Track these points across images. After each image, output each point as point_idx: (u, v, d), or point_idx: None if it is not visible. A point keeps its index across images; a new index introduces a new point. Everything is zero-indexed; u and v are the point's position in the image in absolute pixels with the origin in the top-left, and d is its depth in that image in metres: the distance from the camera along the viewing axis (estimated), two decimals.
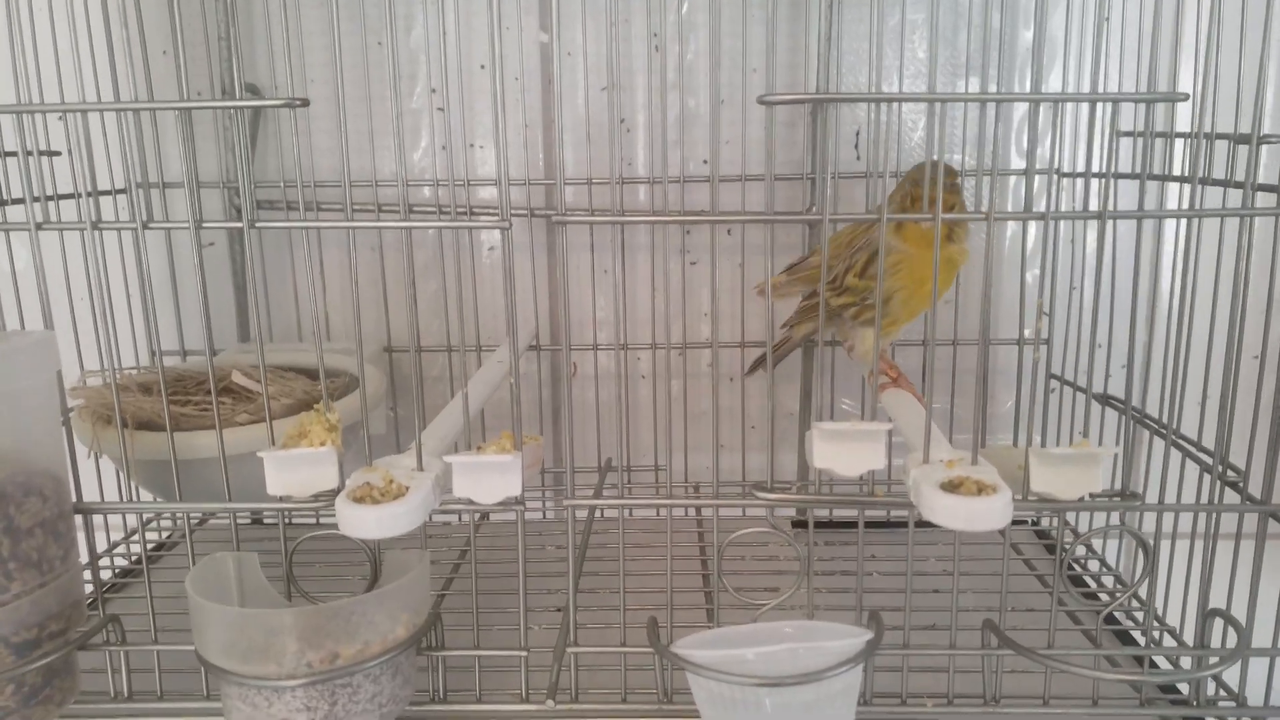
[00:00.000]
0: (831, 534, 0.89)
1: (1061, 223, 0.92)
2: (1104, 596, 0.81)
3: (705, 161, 1.01)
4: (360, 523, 0.54)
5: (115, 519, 0.93)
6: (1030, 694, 0.63)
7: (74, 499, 0.62)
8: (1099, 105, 0.56)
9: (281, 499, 0.59)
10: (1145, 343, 0.67)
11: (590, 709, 0.64)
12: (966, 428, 1.02)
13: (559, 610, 0.75)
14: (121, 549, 0.91)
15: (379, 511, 0.54)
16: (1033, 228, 0.95)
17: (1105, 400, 0.88)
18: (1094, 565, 0.89)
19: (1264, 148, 0.61)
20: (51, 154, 0.73)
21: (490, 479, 0.58)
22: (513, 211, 1.00)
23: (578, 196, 1.01)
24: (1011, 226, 1.01)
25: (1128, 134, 0.84)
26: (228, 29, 0.95)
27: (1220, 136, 0.66)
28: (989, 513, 0.53)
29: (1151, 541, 0.62)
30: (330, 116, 1.00)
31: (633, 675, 0.64)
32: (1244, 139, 0.62)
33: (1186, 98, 0.55)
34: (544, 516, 1.02)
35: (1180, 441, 0.75)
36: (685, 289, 1.02)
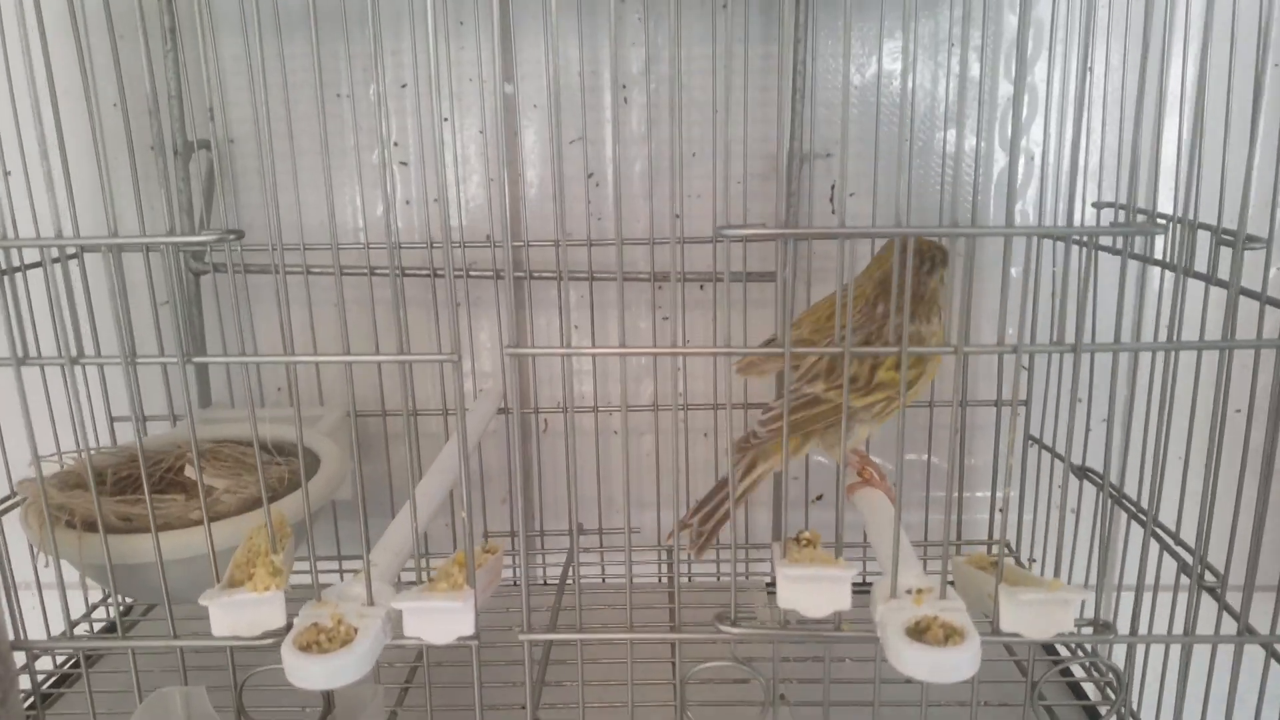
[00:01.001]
0: (801, 649, 0.83)
1: (1042, 275, 0.90)
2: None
3: (677, 216, 0.99)
4: (307, 674, 0.53)
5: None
6: None
7: (10, 636, 0.59)
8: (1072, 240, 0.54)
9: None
10: (1124, 424, 0.65)
11: None
12: (942, 483, 1.00)
13: None
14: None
15: (326, 664, 0.53)
16: (1014, 286, 0.93)
17: (1083, 473, 0.87)
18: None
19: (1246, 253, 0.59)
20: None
21: (441, 621, 0.56)
22: (474, 272, 0.98)
23: (544, 254, 0.98)
24: (989, 277, 0.99)
25: (1109, 205, 0.82)
26: (179, 86, 0.91)
27: (1203, 227, 0.64)
28: (954, 666, 0.52)
29: (1124, 670, 0.61)
30: (285, 172, 0.97)
31: None
32: (1229, 237, 0.59)
33: (1163, 230, 0.52)
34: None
35: (1159, 533, 0.73)
36: (655, 337, 0.99)
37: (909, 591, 0.57)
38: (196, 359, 0.56)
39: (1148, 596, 0.66)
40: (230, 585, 0.58)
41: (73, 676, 0.83)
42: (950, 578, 0.57)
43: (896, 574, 0.56)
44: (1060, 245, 0.84)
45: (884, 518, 0.67)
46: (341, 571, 0.90)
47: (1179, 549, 0.68)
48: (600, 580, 1.01)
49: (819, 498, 1.06)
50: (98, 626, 0.90)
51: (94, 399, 0.91)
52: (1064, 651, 0.84)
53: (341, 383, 1.00)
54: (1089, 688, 0.81)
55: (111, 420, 0.94)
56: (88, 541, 0.71)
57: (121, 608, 0.94)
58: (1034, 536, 0.91)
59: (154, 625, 0.92)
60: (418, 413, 0.99)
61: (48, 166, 0.54)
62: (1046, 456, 0.92)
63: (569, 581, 0.92)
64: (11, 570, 0.62)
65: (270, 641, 0.57)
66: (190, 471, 0.79)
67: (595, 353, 0.59)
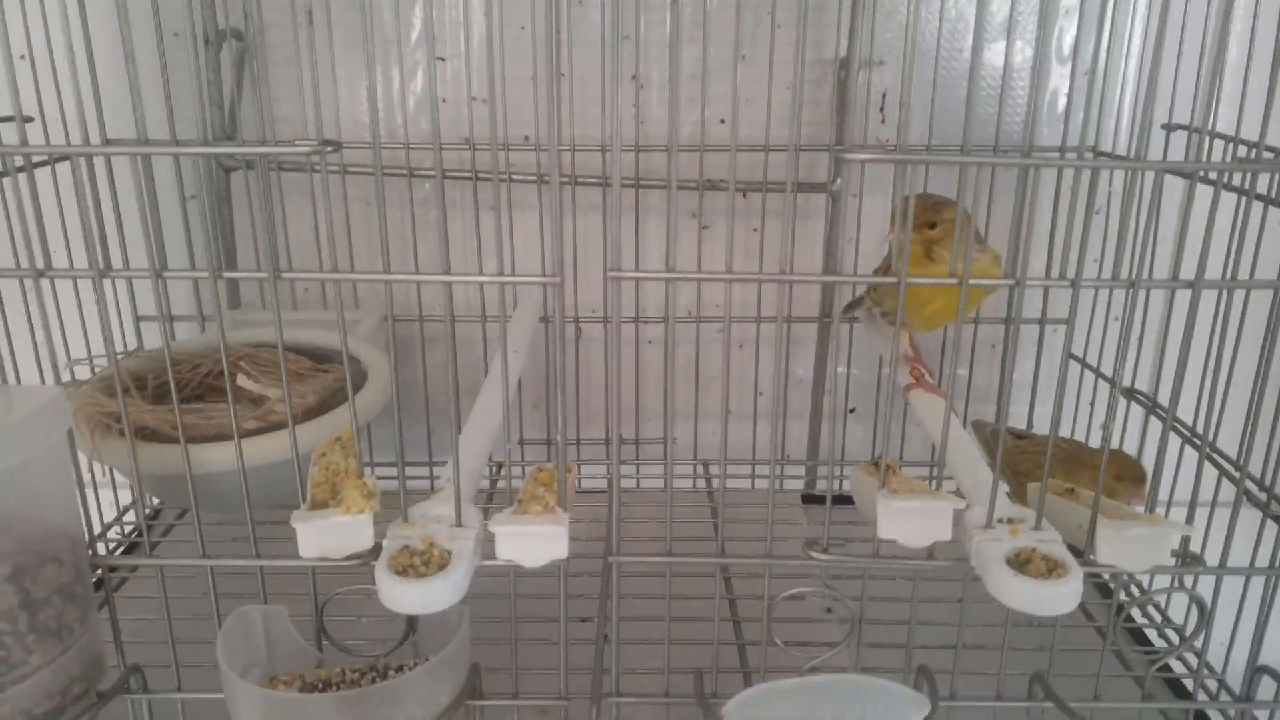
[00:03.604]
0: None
1: (1097, 192, 0.88)
2: (1161, 641, 0.80)
3: (723, 121, 0.96)
4: (403, 599, 0.52)
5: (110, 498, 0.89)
6: None
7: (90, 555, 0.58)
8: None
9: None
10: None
11: None
12: (983, 396, 1.00)
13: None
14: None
15: (423, 588, 0.51)
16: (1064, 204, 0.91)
17: (1130, 395, 0.87)
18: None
19: None
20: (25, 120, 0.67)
21: (536, 545, 0.55)
22: (515, 174, 0.95)
23: (587, 161, 0.95)
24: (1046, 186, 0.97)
25: (1182, 127, 0.80)
26: None
27: (1270, 149, 0.63)
28: (1058, 599, 0.52)
29: (1208, 602, 0.62)
30: (322, 64, 0.93)
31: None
32: None
33: None
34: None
35: (1218, 458, 0.74)
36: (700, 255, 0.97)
37: (1001, 521, 0.57)
38: (283, 274, 0.53)
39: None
40: (314, 506, 0.56)
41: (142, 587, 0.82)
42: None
43: (995, 503, 0.56)
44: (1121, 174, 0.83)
45: (963, 443, 0.66)
46: (402, 469, 0.88)
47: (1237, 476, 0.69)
48: (635, 487, 1.00)
49: (853, 410, 1.06)
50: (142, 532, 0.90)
51: (120, 297, 0.89)
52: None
53: (376, 286, 0.98)
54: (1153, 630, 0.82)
55: (138, 320, 0.91)
56: (142, 452, 0.69)
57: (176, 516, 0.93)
58: None
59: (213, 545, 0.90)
60: (456, 319, 0.97)
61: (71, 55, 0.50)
62: (1083, 373, 0.93)
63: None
64: (93, 484, 0.60)
65: (355, 563, 0.56)
66: (242, 380, 0.77)
67: (700, 277, 0.57)
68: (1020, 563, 0.54)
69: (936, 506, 0.54)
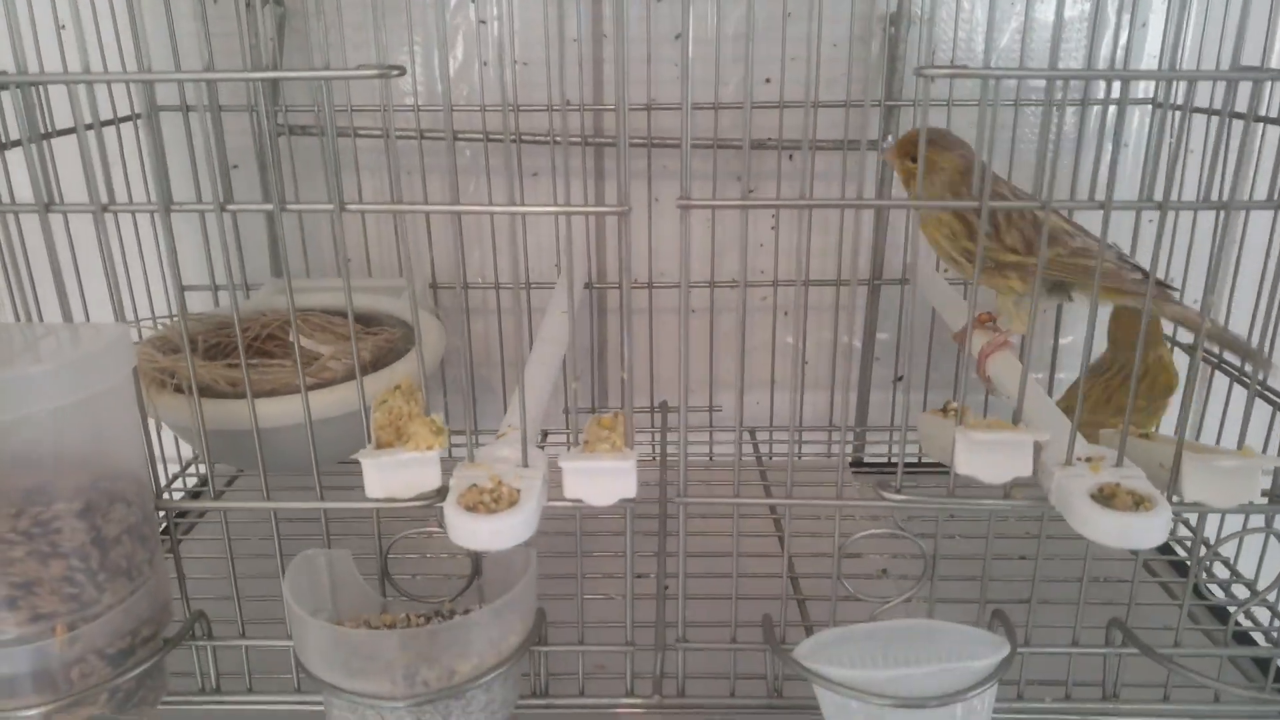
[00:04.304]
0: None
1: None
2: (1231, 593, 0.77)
3: (768, 80, 0.94)
4: (473, 535, 0.51)
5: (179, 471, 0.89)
6: (1150, 687, 0.62)
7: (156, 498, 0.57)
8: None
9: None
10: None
11: (697, 703, 0.61)
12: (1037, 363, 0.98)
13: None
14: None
15: (493, 523, 0.50)
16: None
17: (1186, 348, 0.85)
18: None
19: None
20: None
21: (605, 482, 0.54)
22: (566, 138, 0.93)
23: (635, 121, 0.94)
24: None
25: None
26: None
27: None
28: (1148, 531, 0.51)
29: None
30: (359, 26, 0.92)
31: (740, 666, 0.62)
32: None
33: None
34: None
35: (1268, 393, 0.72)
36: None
37: (1080, 459, 0.56)
38: (347, 208, 0.52)
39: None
40: (379, 447, 0.55)
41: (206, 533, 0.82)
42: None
43: (1074, 439, 0.55)
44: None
45: (1034, 389, 0.65)
46: (470, 404, 0.86)
47: None
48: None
49: (900, 378, 1.04)
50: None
51: (165, 270, 0.88)
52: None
53: (421, 251, 0.97)
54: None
55: (182, 289, 0.91)
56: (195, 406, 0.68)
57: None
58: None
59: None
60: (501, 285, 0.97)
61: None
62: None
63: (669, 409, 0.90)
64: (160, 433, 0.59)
65: (422, 504, 0.55)
66: (305, 340, 0.76)
67: (777, 205, 0.55)
68: (1105, 497, 0.52)
69: (1018, 439, 0.53)
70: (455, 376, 0.97)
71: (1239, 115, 0.52)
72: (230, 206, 0.53)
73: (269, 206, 0.52)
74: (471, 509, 0.52)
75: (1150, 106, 0.93)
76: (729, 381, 1.00)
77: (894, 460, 0.62)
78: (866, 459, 1.04)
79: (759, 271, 0.99)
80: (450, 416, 0.95)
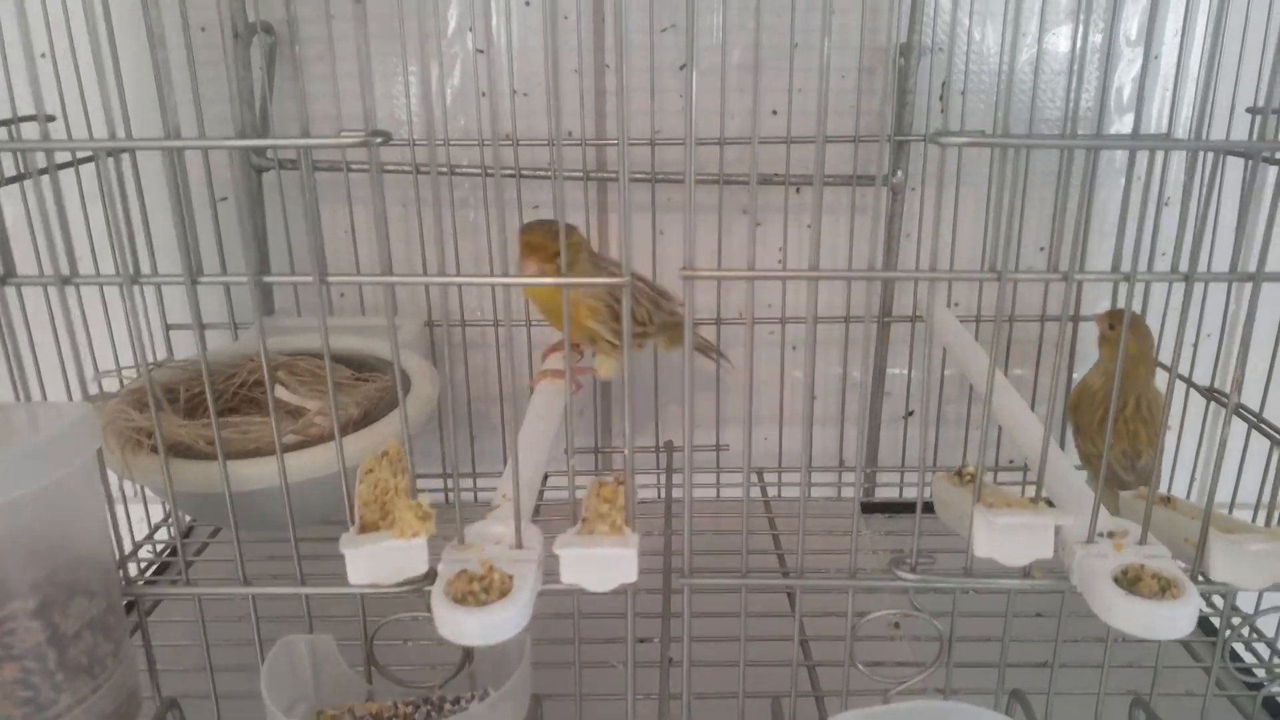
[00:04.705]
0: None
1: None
2: (1259, 673, 0.74)
3: (775, 112, 0.91)
4: (463, 629, 0.48)
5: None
6: None
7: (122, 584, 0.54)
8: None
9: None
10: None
11: None
12: (1046, 397, 0.95)
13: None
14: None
15: (483, 618, 0.47)
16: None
17: (1210, 394, 0.82)
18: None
19: None
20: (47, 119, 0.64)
21: (604, 568, 0.51)
22: (566, 173, 0.90)
23: (635, 155, 0.91)
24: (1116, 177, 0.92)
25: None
26: None
27: None
28: (1173, 621, 0.48)
29: None
30: (350, 57, 0.89)
31: None
32: None
33: None
34: None
35: None
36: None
37: (1102, 535, 0.53)
38: (328, 280, 0.49)
39: None
40: (363, 528, 0.52)
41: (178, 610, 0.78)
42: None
43: (1097, 516, 0.52)
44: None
45: (1051, 450, 0.62)
46: (446, 492, 0.82)
47: None
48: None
49: (911, 413, 1.01)
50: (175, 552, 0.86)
51: (149, 304, 0.85)
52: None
53: (415, 290, 0.94)
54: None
55: (167, 329, 0.88)
56: (175, 469, 0.65)
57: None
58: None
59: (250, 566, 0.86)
60: (501, 323, 0.94)
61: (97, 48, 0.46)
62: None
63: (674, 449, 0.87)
64: (124, 500, 0.56)
65: (408, 589, 0.52)
66: (280, 392, 0.73)
67: (783, 275, 0.52)
68: (1129, 581, 0.49)
69: (1039, 522, 0.50)
70: (455, 414, 0.94)
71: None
72: (202, 279, 0.50)
73: (243, 279, 0.49)
74: (460, 600, 0.49)
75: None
76: (736, 417, 0.97)
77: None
78: (879, 499, 1.00)
79: (766, 305, 0.95)
80: (446, 461, 0.92)
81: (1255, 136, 0.47)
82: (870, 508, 0.99)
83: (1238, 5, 0.80)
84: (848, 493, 0.98)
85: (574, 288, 0.60)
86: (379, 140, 0.46)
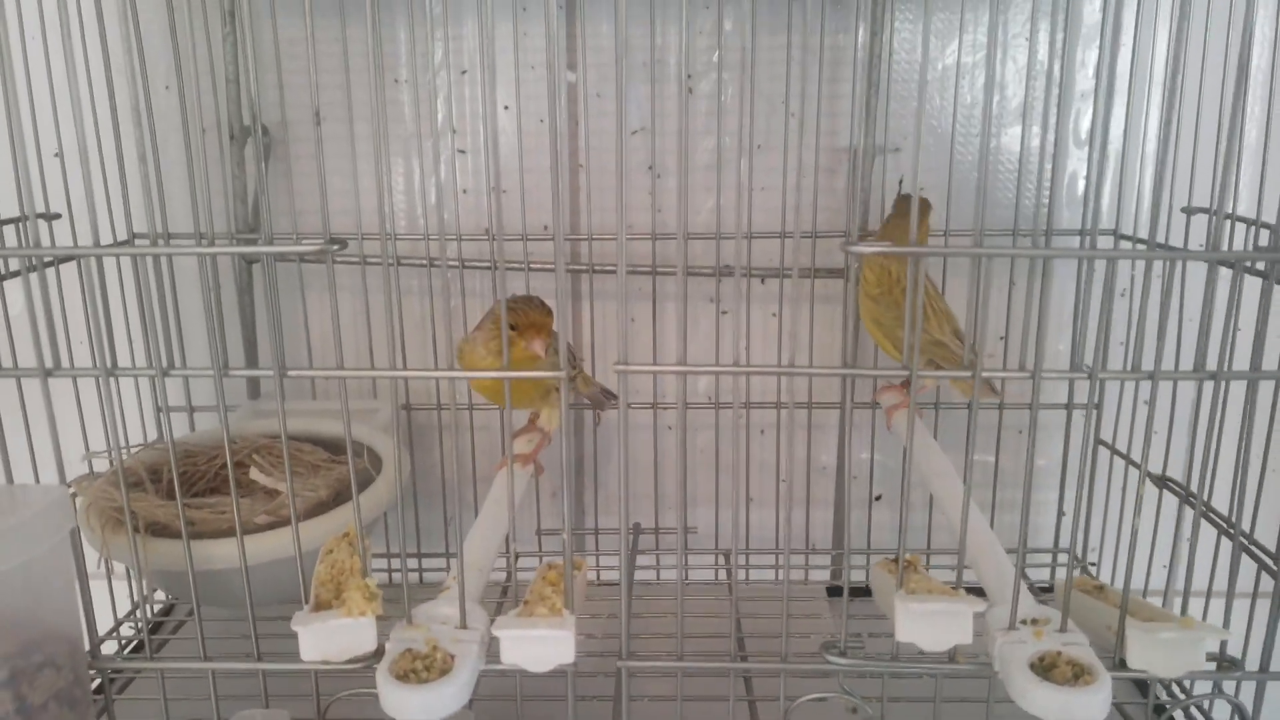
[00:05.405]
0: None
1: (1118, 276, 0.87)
2: None
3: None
4: (404, 706, 0.51)
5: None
6: None
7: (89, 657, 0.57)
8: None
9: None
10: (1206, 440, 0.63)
11: None
12: (1010, 482, 0.98)
13: None
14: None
15: (423, 695, 0.50)
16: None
17: (1163, 482, 0.84)
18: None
19: None
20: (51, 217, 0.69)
21: (542, 649, 0.54)
22: (534, 264, 0.95)
23: (604, 250, 0.95)
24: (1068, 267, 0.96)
25: (1202, 210, 0.79)
26: (235, 68, 0.88)
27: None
28: (1087, 708, 0.50)
29: (1251, 709, 0.59)
30: (343, 155, 0.94)
31: None
32: None
33: None
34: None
35: (1253, 549, 0.71)
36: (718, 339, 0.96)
37: (1025, 622, 0.55)
38: (288, 374, 0.53)
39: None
40: (317, 607, 0.55)
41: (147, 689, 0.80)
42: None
43: (1017, 604, 0.54)
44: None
45: (984, 535, 0.64)
46: (406, 571, 0.85)
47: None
48: (655, 579, 0.99)
49: (879, 497, 1.03)
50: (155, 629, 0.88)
51: (141, 386, 0.89)
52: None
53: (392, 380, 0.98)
54: None
55: (158, 410, 0.92)
56: (152, 547, 0.68)
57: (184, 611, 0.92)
58: (1102, 543, 0.89)
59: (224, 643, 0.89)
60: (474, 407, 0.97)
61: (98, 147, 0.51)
62: (1113, 457, 0.90)
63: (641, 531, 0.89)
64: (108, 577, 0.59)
65: (358, 666, 0.55)
66: (254, 473, 0.76)
67: (715, 370, 0.55)
68: (1045, 667, 0.52)
69: (956, 609, 0.53)
70: (427, 491, 0.96)
71: None
72: (173, 372, 0.54)
73: (209, 371, 0.53)
74: (402, 677, 0.51)
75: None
76: (708, 498, 0.99)
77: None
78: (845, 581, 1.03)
79: (732, 391, 0.99)
80: (415, 537, 0.94)
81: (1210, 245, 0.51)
82: (837, 591, 1.01)
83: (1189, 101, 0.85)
84: (815, 575, 1.00)
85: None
86: (335, 248, 0.50)
